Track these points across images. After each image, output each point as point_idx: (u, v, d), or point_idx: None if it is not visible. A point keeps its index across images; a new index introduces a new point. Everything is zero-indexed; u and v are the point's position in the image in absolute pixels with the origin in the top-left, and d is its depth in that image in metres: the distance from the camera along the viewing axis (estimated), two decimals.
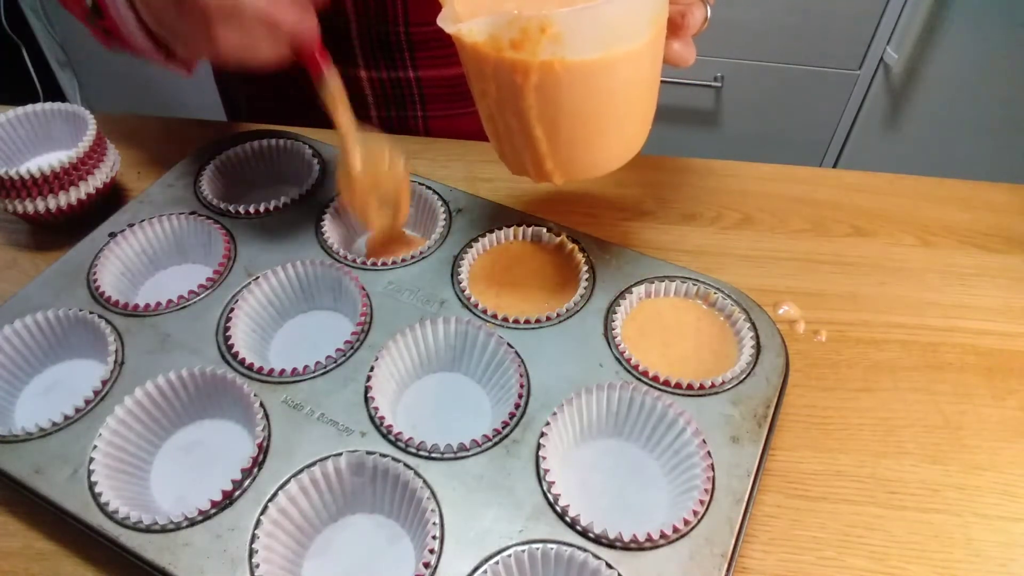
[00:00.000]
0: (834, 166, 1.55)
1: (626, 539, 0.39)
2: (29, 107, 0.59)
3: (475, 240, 0.54)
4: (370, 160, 0.52)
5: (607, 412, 0.45)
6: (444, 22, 0.42)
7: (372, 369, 0.46)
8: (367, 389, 0.45)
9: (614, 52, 0.42)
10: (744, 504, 0.41)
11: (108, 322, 0.48)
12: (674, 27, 0.47)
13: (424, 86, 0.73)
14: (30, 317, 0.48)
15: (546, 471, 0.41)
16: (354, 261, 0.53)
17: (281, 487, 0.41)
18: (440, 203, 0.56)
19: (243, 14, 0.42)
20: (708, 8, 0.48)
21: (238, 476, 0.41)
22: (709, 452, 0.42)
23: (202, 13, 0.42)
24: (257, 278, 0.50)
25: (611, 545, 0.39)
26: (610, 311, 0.50)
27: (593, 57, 0.41)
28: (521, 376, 0.46)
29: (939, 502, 0.46)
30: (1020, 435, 0.49)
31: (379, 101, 0.74)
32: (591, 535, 0.39)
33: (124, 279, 0.54)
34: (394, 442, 0.43)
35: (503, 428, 0.44)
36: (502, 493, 0.41)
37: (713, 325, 0.51)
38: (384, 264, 0.53)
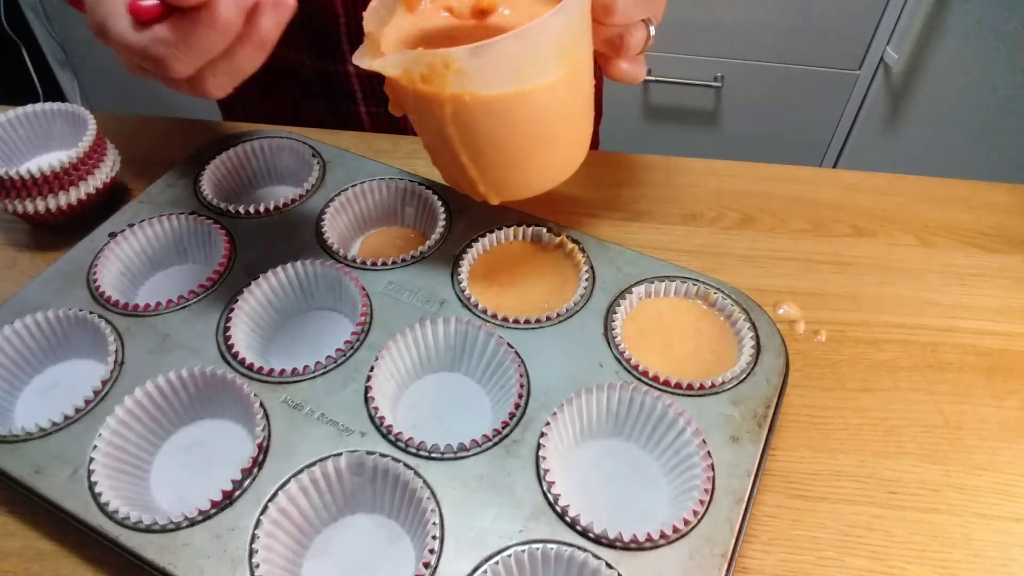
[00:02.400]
0: (834, 166, 1.55)
1: (626, 539, 0.39)
2: (29, 107, 0.59)
3: (475, 240, 0.54)
4: None
5: (607, 412, 0.45)
6: (360, 58, 0.45)
7: (372, 369, 0.46)
8: (367, 389, 0.45)
9: (524, 86, 0.43)
10: (744, 504, 0.41)
11: (108, 322, 0.48)
12: (615, 49, 0.48)
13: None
14: (30, 317, 0.48)
15: (546, 471, 0.41)
16: (354, 261, 0.53)
17: (281, 487, 0.41)
18: (440, 203, 0.57)
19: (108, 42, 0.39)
20: (651, 27, 0.48)
21: (238, 476, 0.41)
22: (709, 452, 0.42)
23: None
24: (257, 278, 0.50)
25: (611, 545, 0.39)
26: (610, 311, 0.50)
27: (502, 91, 0.43)
28: (521, 376, 0.46)
29: (939, 502, 0.46)
30: (1020, 435, 0.49)
31: (367, 97, 0.74)
32: (591, 535, 0.39)
33: (124, 279, 0.54)
34: (394, 442, 0.43)
35: (503, 428, 0.44)
36: (502, 493, 0.41)
37: (713, 325, 0.51)
38: (384, 264, 0.53)
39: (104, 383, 0.45)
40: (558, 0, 0.41)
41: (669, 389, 0.46)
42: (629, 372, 0.47)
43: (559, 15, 0.41)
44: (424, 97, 0.44)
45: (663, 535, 0.39)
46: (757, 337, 0.49)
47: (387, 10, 0.49)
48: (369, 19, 0.47)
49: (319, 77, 0.74)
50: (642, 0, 0.47)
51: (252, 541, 0.39)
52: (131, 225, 0.54)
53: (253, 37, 0.38)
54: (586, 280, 0.52)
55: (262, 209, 0.56)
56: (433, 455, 0.42)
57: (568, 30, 0.43)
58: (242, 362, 0.46)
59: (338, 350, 0.47)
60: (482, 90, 0.42)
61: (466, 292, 0.51)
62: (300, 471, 0.41)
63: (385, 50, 0.46)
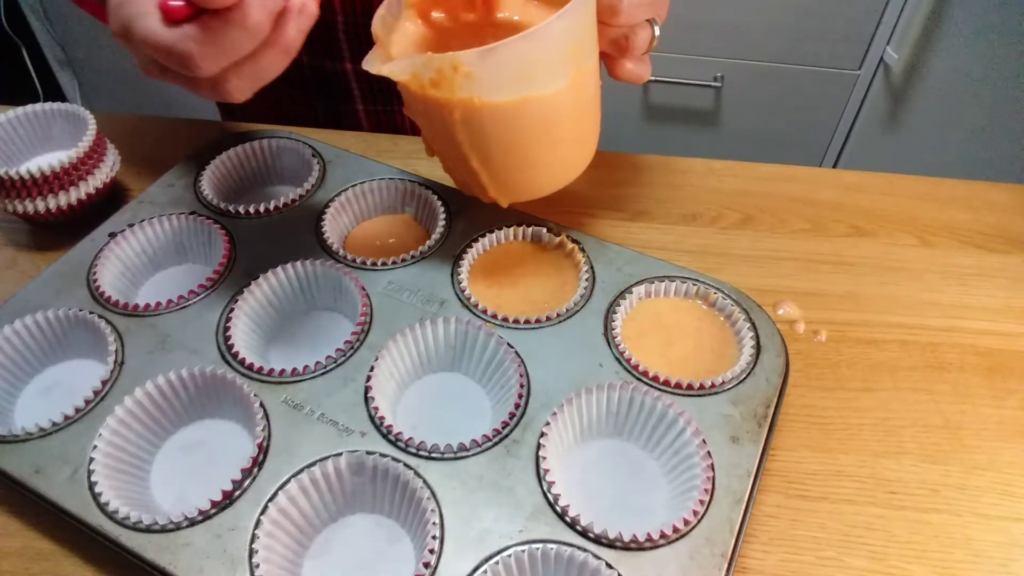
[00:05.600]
0: (834, 166, 1.55)
1: (626, 539, 0.39)
2: (29, 107, 0.59)
3: (475, 240, 0.54)
4: None
5: (607, 412, 0.45)
6: (369, 64, 0.45)
7: (372, 369, 0.46)
8: (367, 389, 0.45)
9: (533, 89, 0.43)
10: (744, 504, 0.41)
11: (108, 322, 0.48)
12: (620, 49, 0.48)
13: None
14: (30, 317, 0.48)
15: (546, 471, 0.41)
16: (353, 261, 0.53)
17: (281, 487, 0.41)
18: (440, 203, 0.57)
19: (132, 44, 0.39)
20: (656, 27, 0.49)
21: (238, 476, 0.41)
22: (709, 452, 0.42)
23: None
24: (257, 278, 0.50)
25: (611, 545, 0.39)
26: (610, 311, 0.50)
27: (511, 95, 0.43)
28: (521, 376, 0.46)
29: (939, 502, 0.46)
30: (1020, 435, 0.49)
31: (365, 95, 0.74)
32: (591, 535, 0.39)
33: (124, 279, 0.54)
34: (394, 442, 0.43)
35: (503, 428, 0.44)
36: (502, 493, 0.41)
37: (713, 325, 0.51)
38: (384, 264, 0.53)
39: (104, 383, 0.45)
40: (563, 4, 0.41)
41: (669, 389, 0.46)
42: (629, 372, 0.47)
43: (566, 17, 0.41)
44: (433, 102, 0.44)
45: (663, 535, 0.39)
46: (757, 337, 0.49)
47: (393, 16, 0.49)
48: (377, 24, 0.47)
49: (317, 76, 0.74)
50: (647, 0, 0.47)
51: (252, 541, 0.39)
52: (131, 225, 0.54)
53: (279, 42, 0.39)
54: (586, 280, 0.52)
55: (262, 209, 0.56)
56: (433, 455, 0.42)
57: (575, 31, 0.43)
58: (242, 362, 0.46)
59: (338, 350, 0.47)
60: (490, 94, 0.42)
61: (466, 292, 0.51)
62: (300, 471, 0.41)
63: (394, 55, 0.46)
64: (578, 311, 0.50)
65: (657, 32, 0.49)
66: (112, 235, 0.53)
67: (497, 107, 0.43)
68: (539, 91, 0.43)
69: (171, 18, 0.37)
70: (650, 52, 0.50)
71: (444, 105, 0.44)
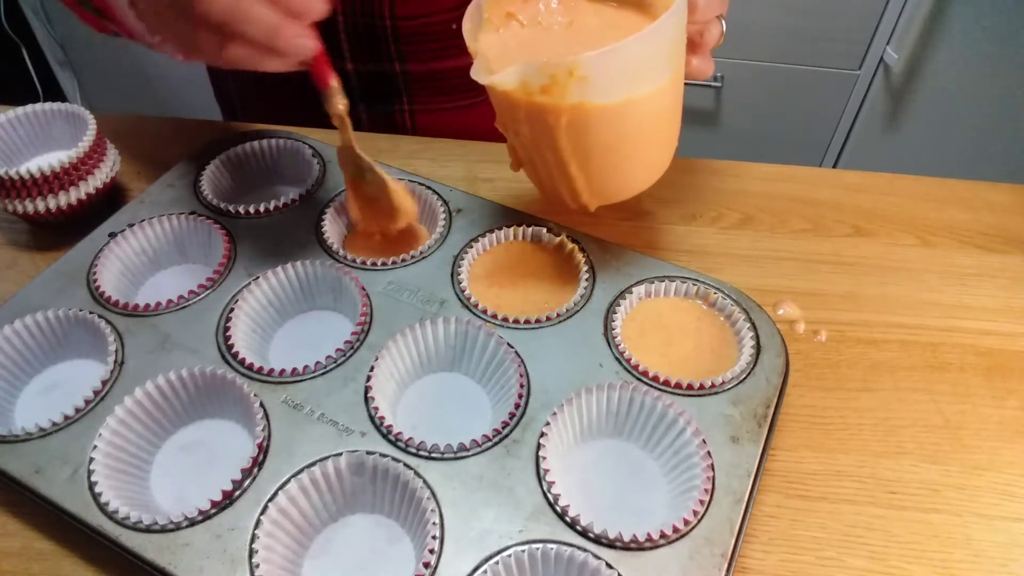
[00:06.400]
0: (834, 166, 1.55)
1: (626, 539, 0.39)
2: (29, 107, 0.59)
3: (475, 240, 0.54)
4: (368, 180, 0.53)
5: (607, 412, 0.45)
6: (477, 74, 0.45)
7: (372, 369, 0.46)
8: (367, 389, 0.45)
9: (639, 89, 0.43)
10: (744, 504, 0.41)
11: (108, 322, 0.48)
12: (692, 45, 0.49)
13: (410, 79, 0.73)
14: (30, 317, 0.48)
15: (546, 471, 0.41)
16: (353, 261, 0.53)
17: (281, 487, 0.41)
18: (440, 203, 0.56)
19: (246, 32, 0.42)
20: (723, 23, 0.49)
21: (238, 476, 0.41)
22: (709, 452, 0.42)
23: (210, 27, 0.42)
24: (257, 278, 0.50)
25: (611, 545, 0.39)
26: (610, 311, 0.50)
27: (620, 97, 0.43)
28: (521, 376, 0.46)
29: (939, 502, 0.46)
30: (1020, 435, 0.49)
31: (366, 95, 0.74)
32: (591, 535, 0.39)
33: (124, 279, 0.54)
34: (394, 442, 0.43)
35: (503, 428, 0.44)
36: (502, 493, 0.41)
37: (713, 325, 0.51)
38: (384, 264, 0.53)
39: (104, 383, 0.45)
40: (635, 5, 0.41)
41: (669, 389, 0.46)
42: (629, 372, 0.47)
43: (673, 15, 0.41)
44: (539, 109, 0.43)
45: (663, 535, 0.39)
46: (757, 337, 0.49)
47: (475, 24, 0.49)
48: (467, 36, 0.47)
49: None
50: None
51: (252, 541, 0.39)
52: (131, 225, 0.54)
53: None
54: (586, 280, 0.52)
55: (262, 209, 0.56)
56: (433, 455, 0.42)
57: (677, 30, 0.43)
58: (242, 362, 0.46)
59: (338, 350, 0.47)
60: (601, 98, 0.42)
61: (466, 292, 0.51)
62: (300, 471, 0.41)
63: (493, 65, 0.46)
64: (578, 311, 0.50)
65: (724, 27, 0.49)
66: (112, 235, 0.53)
67: (605, 110, 0.43)
68: (643, 91, 0.43)
69: None
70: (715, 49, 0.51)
71: (552, 111, 0.43)
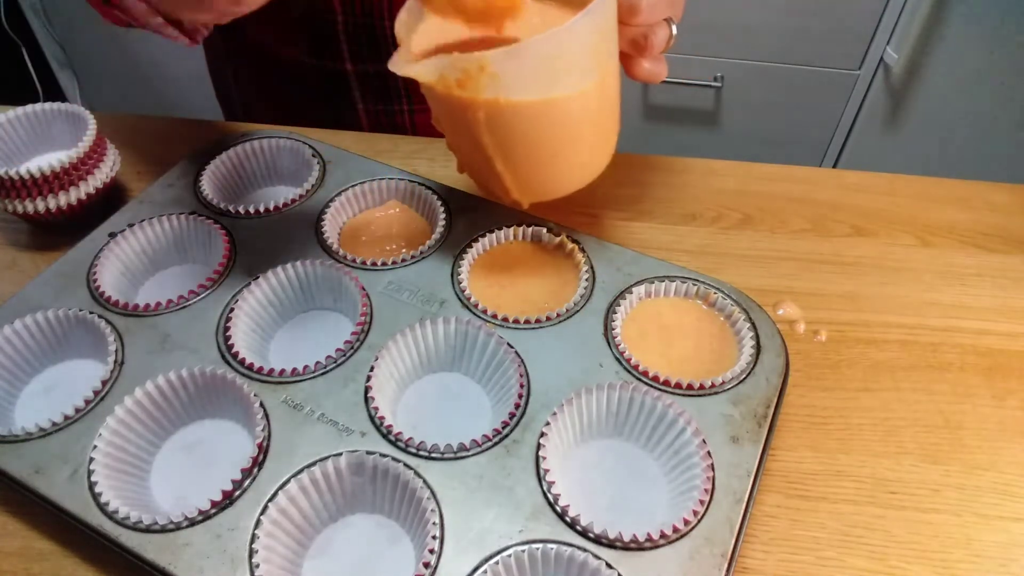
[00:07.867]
0: (834, 166, 1.55)
1: (626, 539, 0.39)
2: (29, 107, 0.59)
3: (475, 240, 0.54)
4: None
5: (607, 412, 0.45)
6: (396, 65, 0.45)
7: (372, 369, 0.46)
8: (367, 389, 0.45)
9: (557, 90, 0.43)
10: (744, 504, 0.41)
11: (108, 322, 0.48)
12: (639, 48, 0.48)
13: (410, 79, 0.73)
14: (30, 317, 0.48)
15: (546, 471, 0.41)
16: (353, 261, 0.53)
17: (281, 487, 0.41)
18: (440, 203, 0.57)
19: None
20: (673, 26, 0.49)
21: (238, 476, 0.41)
22: (709, 452, 0.42)
23: None
24: (257, 278, 0.50)
25: (611, 545, 0.39)
26: (610, 311, 0.50)
27: (535, 96, 0.43)
28: (521, 376, 0.46)
29: (939, 502, 0.46)
30: (1020, 435, 0.49)
31: (365, 95, 0.74)
32: (591, 535, 0.39)
33: (124, 279, 0.54)
34: (394, 442, 0.43)
35: (503, 428, 0.44)
36: (502, 493, 0.41)
37: (713, 325, 0.51)
38: (384, 264, 0.53)
39: (104, 383, 0.45)
40: (580, 7, 0.41)
41: (669, 389, 0.46)
42: (629, 372, 0.47)
43: (590, 16, 0.41)
44: (458, 102, 0.44)
45: (663, 535, 0.39)
46: (757, 337, 0.49)
47: (415, 18, 0.49)
48: (400, 27, 0.47)
49: (317, 75, 0.74)
50: None
51: (252, 541, 0.39)
52: (131, 225, 0.54)
53: None
54: (586, 280, 0.52)
55: (262, 209, 0.56)
56: (433, 455, 0.42)
57: (598, 31, 0.43)
58: (242, 362, 0.46)
59: (338, 350, 0.47)
60: (516, 94, 0.42)
61: (466, 292, 0.51)
62: (300, 471, 0.41)
63: (418, 57, 0.46)
64: (578, 311, 0.50)
65: (674, 31, 0.49)
66: (112, 235, 0.53)
67: (522, 107, 0.43)
68: (563, 91, 0.43)
69: None
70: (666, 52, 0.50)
71: (469, 106, 0.43)
